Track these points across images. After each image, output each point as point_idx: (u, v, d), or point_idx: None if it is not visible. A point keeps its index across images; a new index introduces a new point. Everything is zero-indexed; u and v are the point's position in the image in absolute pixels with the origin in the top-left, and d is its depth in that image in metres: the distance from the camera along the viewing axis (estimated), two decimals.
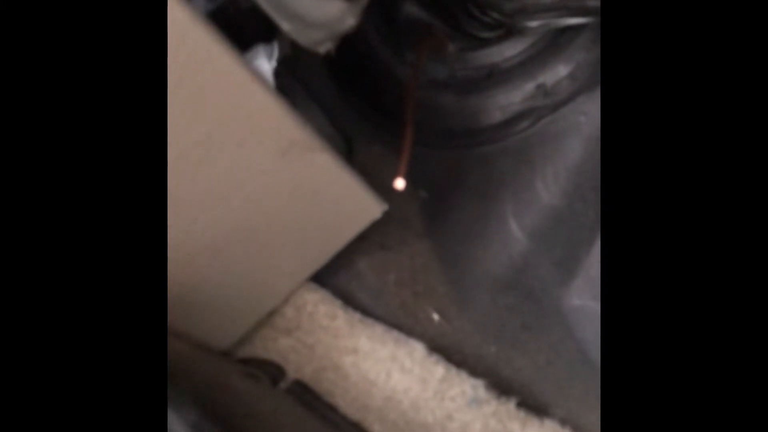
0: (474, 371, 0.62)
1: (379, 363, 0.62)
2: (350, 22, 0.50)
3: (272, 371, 0.61)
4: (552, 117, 0.66)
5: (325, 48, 0.52)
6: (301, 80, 0.67)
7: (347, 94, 0.71)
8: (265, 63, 0.57)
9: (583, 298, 0.62)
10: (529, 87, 0.66)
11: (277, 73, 0.57)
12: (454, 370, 0.61)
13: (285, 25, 0.49)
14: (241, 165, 0.52)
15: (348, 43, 0.54)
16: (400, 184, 0.59)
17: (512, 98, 0.67)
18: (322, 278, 0.66)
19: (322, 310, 0.65)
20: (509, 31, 0.64)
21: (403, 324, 0.65)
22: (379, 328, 0.64)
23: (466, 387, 0.61)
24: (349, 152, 0.69)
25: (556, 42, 0.65)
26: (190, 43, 0.44)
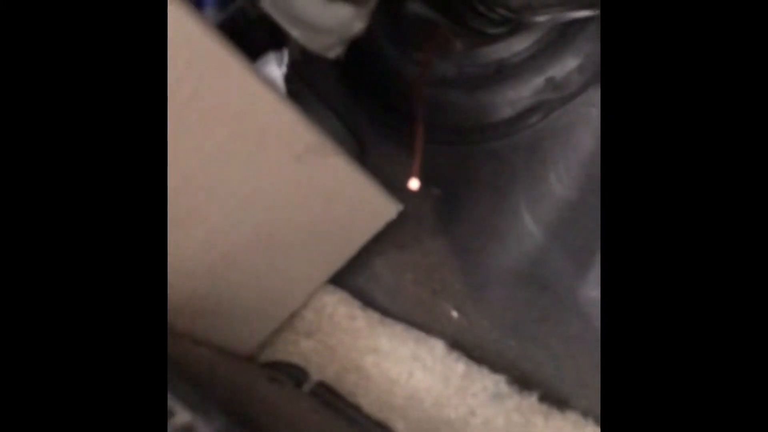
0: (494, 366, 0.62)
1: (401, 362, 0.63)
2: (359, 26, 0.50)
3: (295, 374, 0.62)
4: (562, 110, 0.65)
5: (334, 53, 0.52)
6: (311, 84, 0.68)
7: (357, 96, 0.72)
8: (276, 69, 0.58)
9: (599, 290, 0.62)
10: (539, 81, 0.66)
11: (288, 78, 0.57)
12: (474, 367, 0.62)
13: (294, 33, 0.49)
14: (257, 173, 0.52)
15: (356, 45, 0.54)
16: (414, 184, 0.59)
17: (522, 93, 0.67)
18: (340, 280, 0.66)
19: (341, 312, 0.66)
20: (516, 26, 0.64)
21: (422, 322, 0.65)
22: (398, 328, 0.64)
23: (487, 383, 0.61)
24: (361, 153, 0.69)
25: (563, 35, 0.65)
26: (203, 55, 0.45)
